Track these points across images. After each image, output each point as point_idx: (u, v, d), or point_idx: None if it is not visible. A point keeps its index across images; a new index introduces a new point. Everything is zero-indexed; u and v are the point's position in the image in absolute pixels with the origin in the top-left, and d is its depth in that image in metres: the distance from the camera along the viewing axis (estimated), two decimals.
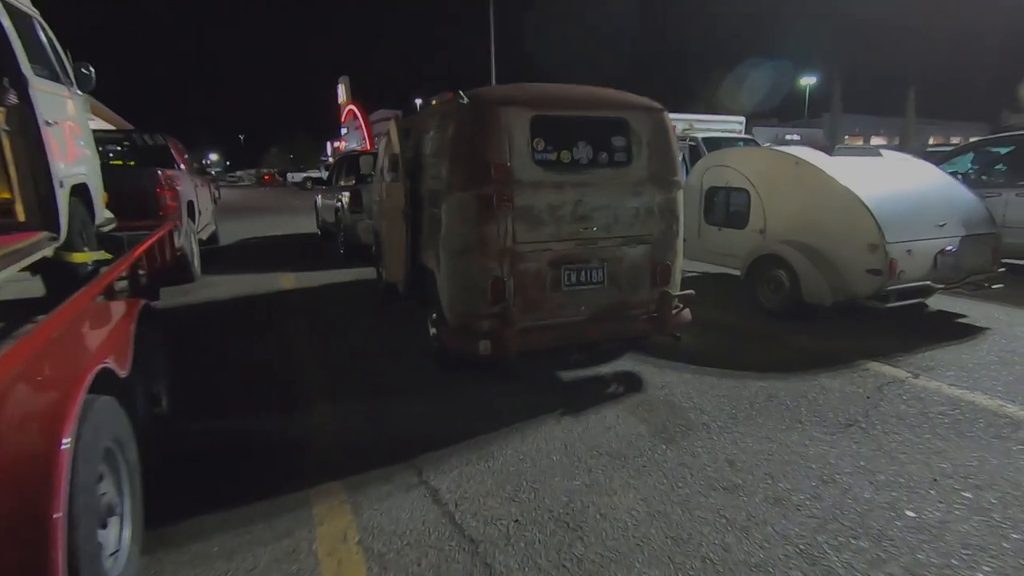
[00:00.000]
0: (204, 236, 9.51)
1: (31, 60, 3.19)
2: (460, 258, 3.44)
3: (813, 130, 49.06)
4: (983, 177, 7.44)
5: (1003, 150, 7.84)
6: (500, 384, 3.85)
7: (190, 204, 7.60)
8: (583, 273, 3.66)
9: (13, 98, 3.09)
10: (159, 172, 6.62)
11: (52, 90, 3.37)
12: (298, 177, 47.03)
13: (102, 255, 3.75)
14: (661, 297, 3.81)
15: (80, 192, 3.72)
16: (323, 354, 4.53)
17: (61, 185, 3.34)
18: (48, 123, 3.23)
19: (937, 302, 5.61)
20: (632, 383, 3.88)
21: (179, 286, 7.22)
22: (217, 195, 12.03)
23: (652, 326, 3.81)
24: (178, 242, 6.80)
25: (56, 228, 3.28)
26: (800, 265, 5.09)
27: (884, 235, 4.62)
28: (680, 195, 3.88)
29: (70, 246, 3.46)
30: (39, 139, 3.13)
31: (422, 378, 3.96)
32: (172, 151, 8.09)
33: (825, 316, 5.10)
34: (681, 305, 3.94)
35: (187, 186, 7.69)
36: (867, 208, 4.72)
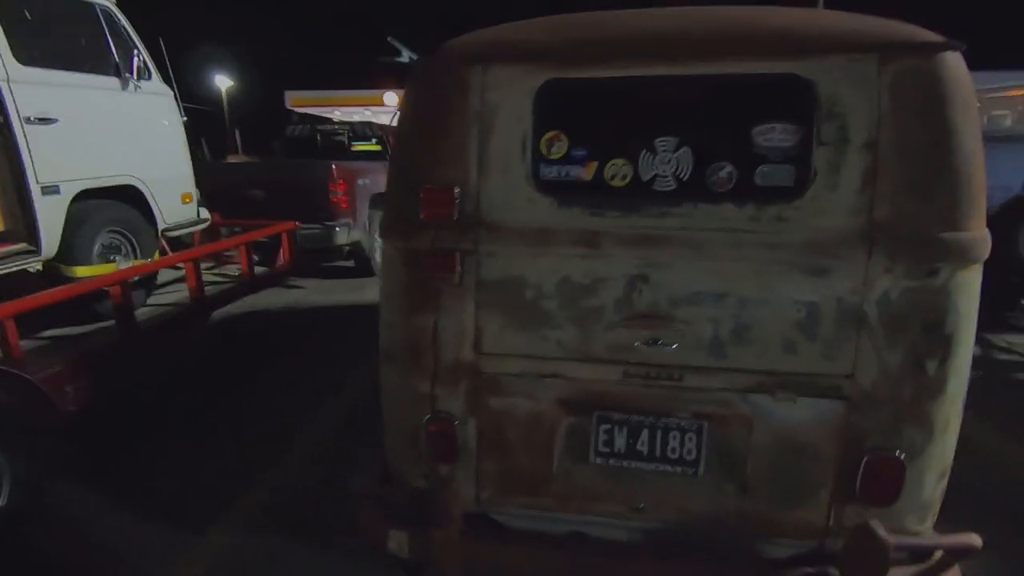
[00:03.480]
0: None
1: (27, 48, 2.82)
2: (384, 366, 1.80)
3: None
4: None
5: None
6: None
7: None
8: (646, 436, 1.62)
9: None
10: (332, 166, 6.44)
11: (58, 81, 2.99)
12: None
13: (106, 268, 3.33)
14: (858, 536, 1.46)
15: (116, 194, 3.39)
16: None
17: (55, 191, 2.97)
18: (35, 120, 2.84)
19: None
20: None
21: (357, 280, 7.11)
22: None
23: None
24: (347, 238, 6.59)
25: (35, 240, 2.92)
26: None
27: None
28: (964, 280, 1.41)
29: (69, 258, 3.12)
30: (12, 141, 2.76)
31: None
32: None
33: None
34: (934, 564, 1.49)
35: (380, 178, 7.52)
36: None
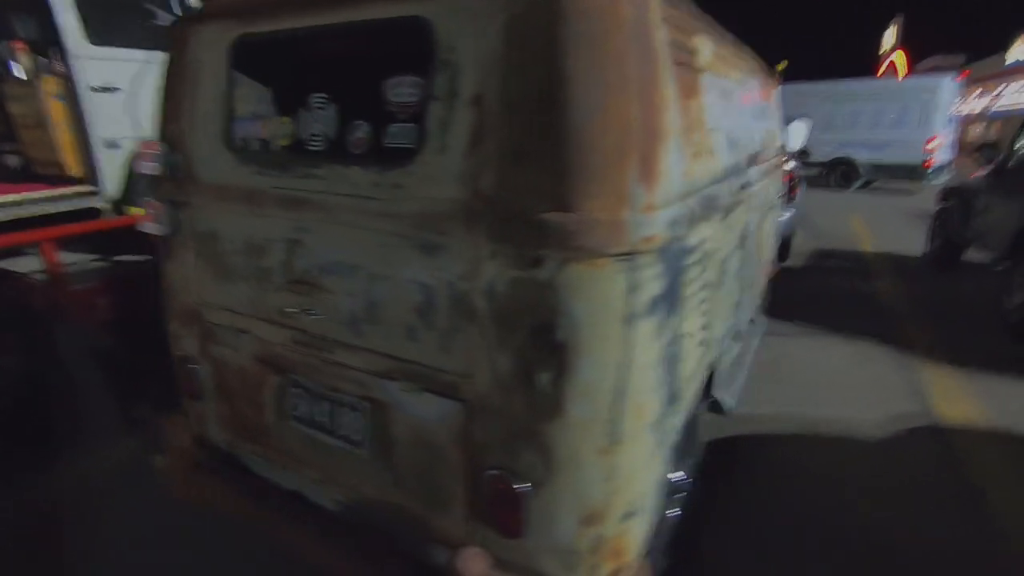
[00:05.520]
0: None
1: (98, 30, 3.55)
2: None
3: None
4: None
5: None
6: None
7: None
8: (325, 408, 1.57)
9: (59, 67, 3.53)
10: None
11: (124, 57, 3.69)
12: None
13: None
14: (452, 562, 1.26)
15: None
16: None
17: (116, 146, 3.72)
18: (99, 88, 3.58)
19: None
20: None
21: None
22: None
23: None
24: None
25: (96, 183, 3.71)
26: None
27: None
28: (581, 277, 1.09)
29: (129, 201, 3.88)
30: (79, 106, 3.53)
31: None
32: None
33: None
34: None
35: None
36: None
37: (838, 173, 13.11)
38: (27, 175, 3.83)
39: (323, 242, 1.41)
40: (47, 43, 3.55)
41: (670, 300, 1.23)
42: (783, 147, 3.35)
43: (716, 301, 1.82)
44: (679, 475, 1.99)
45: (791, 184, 5.74)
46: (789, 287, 5.59)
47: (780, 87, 3.74)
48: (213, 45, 1.55)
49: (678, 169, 1.24)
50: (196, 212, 1.66)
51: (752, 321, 3.60)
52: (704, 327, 1.64)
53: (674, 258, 1.24)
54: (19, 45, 3.62)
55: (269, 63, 1.54)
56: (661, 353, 1.23)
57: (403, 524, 1.48)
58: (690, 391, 1.58)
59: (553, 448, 1.18)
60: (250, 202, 1.50)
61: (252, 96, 1.54)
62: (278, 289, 1.52)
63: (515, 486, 1.22)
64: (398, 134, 1.27)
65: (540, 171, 1.08)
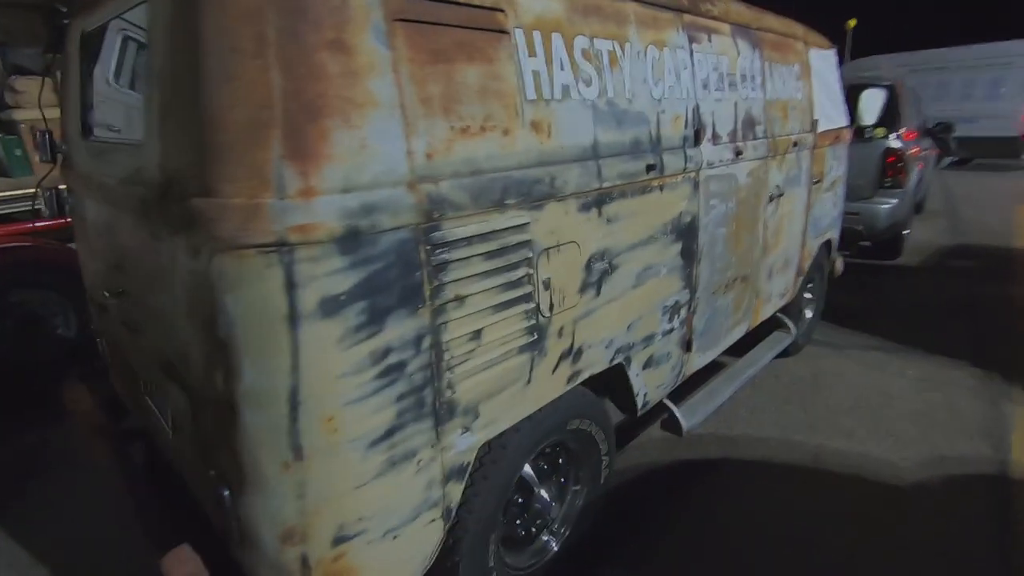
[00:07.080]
0: None
1: None
2: None
3: None
4: None
5: None
6: None
7: None
8: (152, 388, 1.60)
9: None
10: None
11: None
12: None
13: None
14: None
15: None
16: None
17: None
18: None
19: None
20: None
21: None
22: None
23: None
24: None
25: None
26: None
27: None
28: (232, 271, 0.96)
29: None
30: None
31: None
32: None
33: None
34: None
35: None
36: None
37: None
38: None
39: (119, 227, 1.43)
40: None
41: (384, 299, 1.06)
42: (816, 122, 2.77)
43: (584, 302, 1.55)
44: (545, 501, 1.76)
45: (894, 166, 4.77)
46: (881, 290, 4.71)
47: (833, 50, 3.09)
48: (72, 40, 1.65)
49: (400, 147, 1.06)
50: (74, 198, 1.78)
51: (784, 327, 3.08)
52: (536, 333, 1.41)
53: (392, 251, 1.06)
54: None
55: (94, 55, 1.59)
56: (366, 360, 1.06)
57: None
58: (502, 408, 1.37)
59: (239, 455, 1.08)
60: (89, 188, 1.58)
61: (92, 87, 1.61)
62: (108, 271, 1.59)
63: (222, 491, 1.14)
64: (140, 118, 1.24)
65: (187, 152, 0.98)
